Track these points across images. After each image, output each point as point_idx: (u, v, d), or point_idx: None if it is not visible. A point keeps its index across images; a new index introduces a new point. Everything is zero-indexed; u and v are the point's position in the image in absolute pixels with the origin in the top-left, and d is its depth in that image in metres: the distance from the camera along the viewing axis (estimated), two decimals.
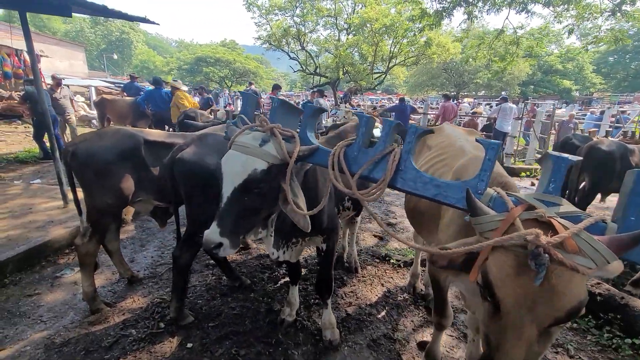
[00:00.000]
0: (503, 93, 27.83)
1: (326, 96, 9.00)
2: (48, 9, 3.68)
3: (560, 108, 23.02)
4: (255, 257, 3.81)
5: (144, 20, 4.32)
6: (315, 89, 9.25)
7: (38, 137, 7.47)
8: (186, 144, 2.48)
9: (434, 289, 1.94)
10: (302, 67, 21.66)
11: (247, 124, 1.65)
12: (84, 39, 44.80)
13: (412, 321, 2.79)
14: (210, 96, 11.03)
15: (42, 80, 8.51)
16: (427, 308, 2.93)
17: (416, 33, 12.19)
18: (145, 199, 2.87)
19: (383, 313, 2.89)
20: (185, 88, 7.95)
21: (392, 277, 3.46)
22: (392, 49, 17.32)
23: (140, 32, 56.41)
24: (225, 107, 14.50)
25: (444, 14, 11.25)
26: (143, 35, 58.13)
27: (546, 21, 11.70)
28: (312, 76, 22.93)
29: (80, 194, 2.68)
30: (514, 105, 10.22)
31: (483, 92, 40.69)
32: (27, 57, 8.16)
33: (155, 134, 2.87)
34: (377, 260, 3.79)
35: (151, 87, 8.14)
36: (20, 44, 8.31)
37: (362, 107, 17.33)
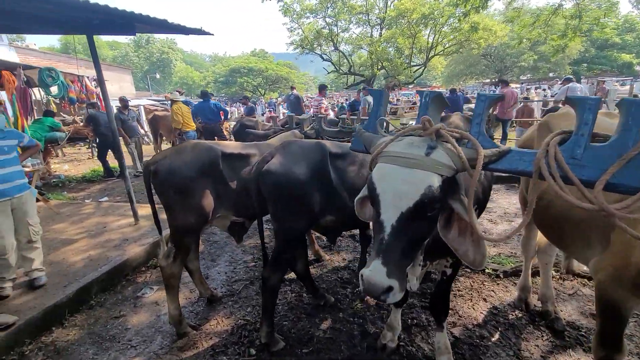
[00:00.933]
0: (565, 75, 25.58)
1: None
2: (113, 30, 3.72)
3: (624, 85, 20.68)
4: (331, 270, 3.55)
5: (200, 31, 4.26)
6: (363, 87, 8.92)
7: (102, 157, 7.86)
8: (270, 154, 2.27)
9: (605, 316, 1.53)
10: (335, 67, 21.41)
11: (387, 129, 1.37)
12: (129, 63, 48.11)
13: (537, 346, 2.36)
14: (253, 105, 11.11)
15: (100, 103, 9.01)
16: (551, 329, 2.48)
17: (461, 18, 11.41)
18: (224, 214, 2.72)
19: (497, 335, 2.48)
20: (182, 99, 8.03)
21: (492, 290, 3.03)
22: (431, 39, 16.53)
23: (178, 50, 59.60)
24: (262, 114, 14.66)
25: None
26: (180, 53, 61.34)
27: None
28: (346, 76, 22.61)
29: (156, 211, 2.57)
30: (581, 85, 9.15)
31: (528, 75, 37.88)
32: (88, 82, 8.64)
33: (231, 146, 2.71)
34: (468, 270, 3.36)
35: (198, 100, 8.28)
36: (79, 70, 8.88)
37: (400, 102, 16.69)
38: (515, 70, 35.23)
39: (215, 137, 8.24)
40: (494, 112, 9.11)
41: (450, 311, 2.77)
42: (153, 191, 2.53)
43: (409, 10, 14.01)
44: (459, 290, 3.04)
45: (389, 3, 18.47)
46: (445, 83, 39.33)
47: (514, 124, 9.18)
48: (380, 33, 19.27)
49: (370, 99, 8.29)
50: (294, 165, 2.19)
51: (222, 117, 8.08)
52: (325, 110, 8.11)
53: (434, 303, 2.11)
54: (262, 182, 2.19)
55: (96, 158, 8.35)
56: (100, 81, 4.03)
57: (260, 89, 39.07)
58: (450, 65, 33.93)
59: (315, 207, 2.27)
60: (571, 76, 10.23)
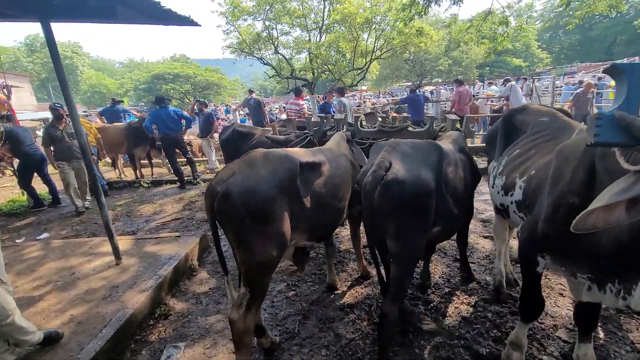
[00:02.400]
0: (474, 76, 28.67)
1: (347, 92, 8.56)
2: (82, 15, 2.81)
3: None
4: None
5: (188, 20, 3.52)
6: (335, 88, 8.65)
7: (25, 183, 6.20)
8: (385, 160, 1.82)
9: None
10: (276, 71, 20.90)
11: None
12: (22, 70, 40.62)
13: None
14: (211, 112, 10.04)
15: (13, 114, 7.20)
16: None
17: (407, 22, 12.03)
18: (298, 239, 2.18)
19: (601, 332, 2.40)
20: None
21: (560, 283, 2.99)
22: (374, 43, 17.14)
23: (84, 55, 52.31)
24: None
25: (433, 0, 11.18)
26: (87, 58, 53.95)
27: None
28: (287, 80, 22.26)
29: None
30: (514, 83, 10.26)
31: (442, 78, 42.21)
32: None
33: (304, 154, 2.19)
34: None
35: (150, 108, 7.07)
36: None
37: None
38: (434, 73, 38.90)
39: (177, 149, 7.21)
40: (452, 110, 9.68)
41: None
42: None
43: (353, 14, 14.33)
44: None
45: (327, 7, 18.66)
46: (374, 86, 41.59)
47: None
48: (320, 37, 19.38)
49: (345, 100, 8.08)
50: (420, 170, 1.79)
51: (184, 126, 7.06)
52: (305, 115, 7.66)
53: (585, 312, 1.91)
54: (386, 193, 1.74)
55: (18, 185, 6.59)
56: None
57: (189, 96, 36.36)
58: (378, 69, 35.99)
59: (432, 218, 1.91)
60: (510, 77, 11.46)
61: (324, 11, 18.44)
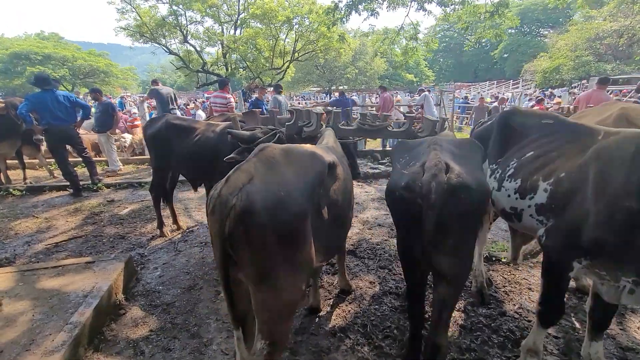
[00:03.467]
0: (424, 86, 31.13)
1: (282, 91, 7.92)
2: None
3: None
4: (374, 299, 2.88)
5: None
6: (255, 85, 8.03)
7: None
8: (439, 159, 1.51)
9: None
10: (185, 63, 18.88)
11: None
12: None
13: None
14: (112, 101, 8.23)
15: None
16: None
17: (330, 26, 12.18)
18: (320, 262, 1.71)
19: (578, 325, 2.57)
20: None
21: (525, 278, 3.18)
22: (294, 44, 16.92)
23: None
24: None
25: (353, 8, 11.61)
26: None
27: (437, 19, 13.39)
28: (197, 75, 20.35)
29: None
30: (428, 94, 11.39)
31: (348, 86, 45.10)
32: None
33: (323, 152, 1.71)
34: (485, 264, 3.43)
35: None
36: None
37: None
38: (342, 80, 41.10)
39: (70, 145, 5.64)
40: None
41: (520, 310, 2.72)
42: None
43: (274, 11, 13.81)
44: (500, 287, 3.03)
45: (242, 0, 17.69)
46: (287, 88, 41.69)
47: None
48: (235, 31, 18.26)
49: (281, 98, 7.59)
50: (478, 173, 1.54)
51: (80, 116, 5.54)
52: (233, 110, 6.82)
53: (603, 311, 1.93)
54: (451, 201, 1.42)
55: None
56: None
57: (66, 83, 30.07)
58: (294, 71, 36.22)
59: None
60: (423, 87, 12.62)
61: (238, 4, 17.41)
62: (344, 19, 11.98)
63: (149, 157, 8.63)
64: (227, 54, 18.62)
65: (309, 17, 14.81)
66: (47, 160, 6.98)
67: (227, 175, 1.34)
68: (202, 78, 21.43)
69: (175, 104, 8.02)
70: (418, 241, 1.52)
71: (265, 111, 7.63)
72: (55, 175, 6.74)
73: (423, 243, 1.48)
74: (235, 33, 18.36)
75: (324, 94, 40.14)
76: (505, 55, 54.43)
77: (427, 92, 10.68)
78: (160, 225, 4.14)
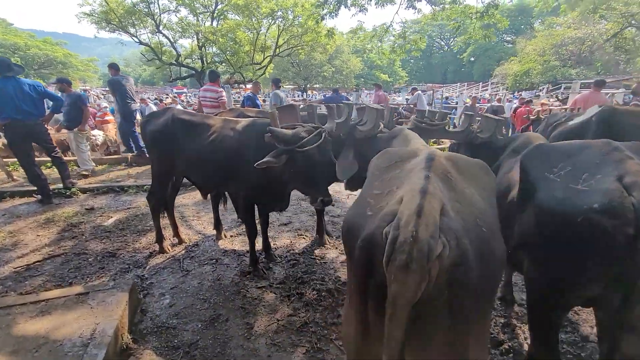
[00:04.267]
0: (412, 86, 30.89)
1: (281, 86, 7.28)
2: None
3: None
4: None
5: None
6: (272, 81, 7.40)
7: None
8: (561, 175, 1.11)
9: None
10: (157, 55, 17.61)
11: None
12: None
13: None
14: (82, 94, 7.24)
15: None
16: None
17: (319, 21, 11.68)
18: None
19: None
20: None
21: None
22: (277, 38, 16.23)
23: None
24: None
25: (342, 3, 11.28)
26: None
27: (426, 18, 13.28)
28: (169, 68, 19.11)
29: None
30: (420, 92, 11.26)
31: (324, 84, 44.85)
32: None
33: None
34: None
35: None
36: None
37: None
38: (319, 78, 40.74)
39: (45, 144, 4.80)
40: None
41: None
42: None
43: (257, 2, 13.04)
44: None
45: None
46: (264, 85, 40.71)
47: None
48: (212, 22, 17.25)
49: (282, 93, 7.02)
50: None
51: (49, 110, 4.69)
52: (225, 104, 6.15)
53: None
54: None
55: None
56: None
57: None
58: (272, 67, 35.39)
59: None
60: (416, 86, 12.46)
61: None
62: (333, 14, 11.63)
63: (125, 155, 7.79)
64: (204, 47, 17.57)
65: (295, 10, 14.22)
66: (4, 160, 5.97)
67: (413, 202, 0.82)
68: (175, 72, 20.19)
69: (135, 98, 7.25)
70: (599, 284, 1.12)
71: (259, 107, 7.05)
72: (14, 177, 5.76)
73: (621, 287, 1.08)
74: (212, 24, 17.35)
75: (299, 92, 39.63)
76: (472, 59, 56.69)
77: (420, 92, 10.52)
78: (160, 239, 3.49)
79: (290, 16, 14.45)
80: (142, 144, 7.18)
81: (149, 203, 3.42)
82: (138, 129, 7.82)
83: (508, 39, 56.04)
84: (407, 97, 13.23)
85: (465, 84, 42.39)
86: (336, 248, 3.70)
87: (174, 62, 17.69)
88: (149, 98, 17.51)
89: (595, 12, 23.83)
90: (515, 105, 11.40)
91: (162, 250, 3.49)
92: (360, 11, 11.70)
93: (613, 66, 24.83)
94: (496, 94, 19.55)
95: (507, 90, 25.88)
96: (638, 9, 22.00)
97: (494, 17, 10.71)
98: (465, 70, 58.80)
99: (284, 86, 45.64)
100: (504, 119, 2.67)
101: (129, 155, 7.65)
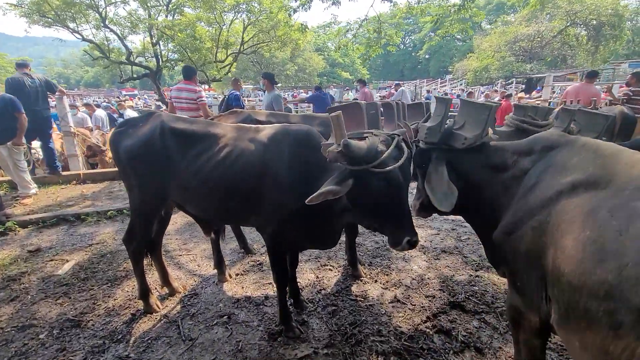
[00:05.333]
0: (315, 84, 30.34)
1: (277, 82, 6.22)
2: None
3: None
4: None
5: None
6: (265, 75, 6.40)
7: None
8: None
9: None
10: (104, 53, 15.64)
11: None
12: None
13: None
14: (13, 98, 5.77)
15: None
16: None
17: (291, 14, 10.80)
18: None
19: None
20: None
21: None
22: (242, 33, 15.01)
23: None
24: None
25: None
26: None
27: (402, 11, 12.86)
28: (119, 68, 17.16)
29: None
30: (404, 89, 10.86)
31: (288, 83, 43.77)
32: None
33: None
34: None
35: None
36: None
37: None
38: (282, 77, 39.62)
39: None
40: None
41: None
42: None
43: None
44: None
45: None
46: (226, 84, 38.87)
47: None
48: (168, 16, 15.63)
49: (277, 93, 6.09)
50: None
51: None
52: (205, 106, 5.11)
53: None
54: None
55: None
56: None
57: None
58: (235, 66, 33.79)
59: None
60: (399, 82, 12.01)
61: None
62: (305, 6, 10.89)
63: (74, 172, 6.39)
64: (160, 43, 15.90)
65: (263, 2, 13.17)
66: None
67: None
68: (125, 71, 18.24)
69: (49, 100, 6.04)
70: None
71: (242, 106, 6.11)
72: None
73: None
74: (167, 18, 15.74)
75: (261, 92, 38.20)
76: (427, 56, 58.77)
77: (404, 88, 10.09)
78: (145, 294, 2.53)
79: (257, 9, 13.39)
80: (57, 163, 6.02)
81: (128, 247, 2.44)
82: (57, 143, 6.54)
83: (459, 37, 58.60)
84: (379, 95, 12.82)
85: (425, 80, 43.66)
86: (375, 281, 2.97)
87: (125, 60, 15.81)
88: (95, 102, 15.44)
89: (543, 10, 25.36)
90: (496, 99, 11.42)
91: (149, 310, 2.52)
92: (333, 4, 11.04)
93: (560, 61, 26.60)
94: (467, 89, 19.94)
95: (467, 85, 26.72)
96: (581, 7, 23.69)
97: (471, 10, 10.58)
98: (421, 67, 60.84)
99: (244, 85, 44.05)
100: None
101: (81, 171, 6.33)
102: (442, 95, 10.54)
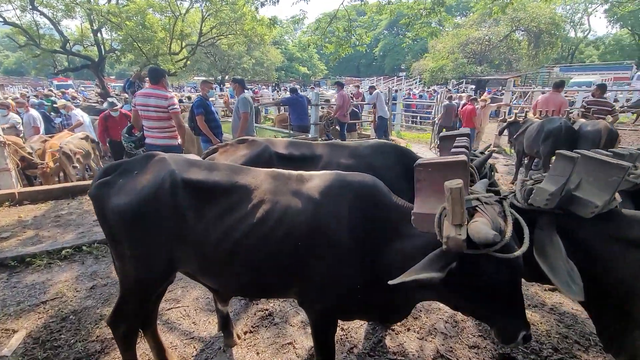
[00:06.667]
0: (373, 81, 29.51)
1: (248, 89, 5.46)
2: None
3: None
4: None
5: None
6: (235, 80, 5.58)
7: None
8: None
9: None
10: (33, 40, 13.50)
11: None
12: None
13: None
14: None
15: None
16: None
17: (258, 7, 9.99)
18: None
19: None
20: None
21: None
22: (201, 23, 13.76)
23: None
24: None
25: None
26: None
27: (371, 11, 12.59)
28: (52, 57, 15.00)
29: None
30: (379, 91, 10.67)
31: (246, 77, 41.92)
32: None
33: None
34: None
35: None
36: None
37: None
38: (238, 70, 37.84)
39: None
40: (335, 116, 8.84)
41: None
42: None
43: None
44: None
45: None
46: (173, 78, 36.15)
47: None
48: (112, 1, 13.88)
49: (248, 94, 5.43)
50: None
51: None
52: (178, 116, 4.34)
53: None
54: None
55: None
56: None
57: None
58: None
59: None
60: (374, 85, 11.75)
61: None
62: (274, 1, 10.31)
63: (6, 192, 5.11)
64: (102, 31, 14.12)
65: None
66: None
67: None
68: (60, 61, 16.10)
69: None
70: None
71: (216, 116, 5.39)
72: None
73: None
74: (112, 3, 13.99)
75: (216, 85, 36.11)
76: (382, 54, 60.20)
77: (379, 90, 9.90)
78: None
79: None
80: None
81: (115, 331, 1.81)
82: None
83: (409, 35, 60.50)
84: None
85: (382, 77, 44.60)
86: (408, 329, 2.64)
87: (60, 49, 13.80)
88: (23, 94, 13.05)
89: (490, 16, 26.97)
90: (462, 102, 11.60)
91: None
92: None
93: (506, 65, 28.61)
94: (427, 89, 20.51)
95: (425, 85, 27.68)
96: (524, 14, 25.56)
97: (441, 14, 10.69)
98: (376, 64, 62.09)
99: (194, 78, 41.35)
100: None
101: (15, 190, 5.19)
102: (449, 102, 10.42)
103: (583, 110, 6.76)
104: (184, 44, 15.37)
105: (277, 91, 28.03)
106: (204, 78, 42.25)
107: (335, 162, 2.24)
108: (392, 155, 2.29)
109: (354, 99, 11.83)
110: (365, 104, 10.61)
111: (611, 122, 5.30)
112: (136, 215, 1.52)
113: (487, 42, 28.03)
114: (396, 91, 15.37)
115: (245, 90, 5.32)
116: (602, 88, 6.87)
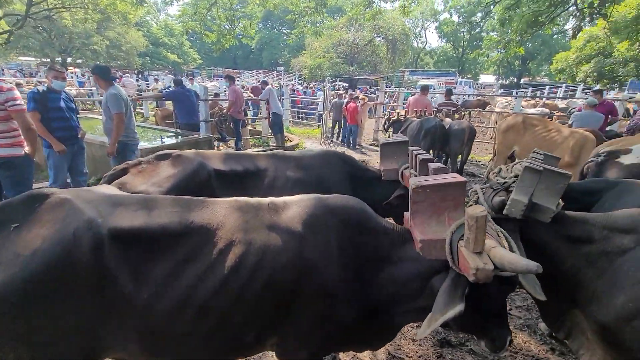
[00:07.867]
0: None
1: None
2: None
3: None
4: None
5: None
6: (95, 69, 4.17)
7: None
8: None
9: None
10: None
11: None
12: None
13: None
14: None
15: None
16: None
17: None
18: None
19: None
20: None
21: None
22: None
23: None
24: None
25: None
26: None
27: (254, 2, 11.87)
28: None
29: None
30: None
31: (100, 60, 34.64)
32: None
33: None
34: None
35: None
36: None
37: None
38: (88, 53, 31.07)
39: None
40: (228, 112, 8.18)
41: None
42: None
43: None
44: None
45: None
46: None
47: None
48: None
49: (119, 89, 4.31)
50: None
51: None
52: (22, 113, 3.06)
53: None
54: None
55: None
56: None
57: None
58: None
59: None
60: (266, 80, 11.06)
61: None
62: None
63: None
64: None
65: None
66: None
67: None
68: None
69: None
70: None
71: (64, 114, 4.10)
72: None
73: None
74: None
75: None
76: (258, 47, 59.64)
77: (270, 86, 9.62)
78: None
79: None
80: None
81: None
82: None
83: (285, 31, 61.64)
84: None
85: (262, 71, 44.13)
86: None
87: None
88: None
89: (356, 21, 29.90)
90: (346, 100, 12.37)
91: None
92: None
93: (370, 66, 32.29)
94: (309, 86, 21.23)
95: (304, 80, 28.74)
96: (383, 23, 29.21)
97: (322, 15, 11.12)
98: (253, 57, 60.97)
99: (19, 58, 32.01)
100: None
101: None
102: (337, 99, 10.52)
103: (436, 109, 8.14)
104: (1, 12, 11.55)
105: (144, 80, 24.34)
106: (32, 59, 33.32)
107: (282, 176, 1.98)
108: (339, 164, 2.18)
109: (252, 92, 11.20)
110: (258, 100, 10.20)
111: (457, 118, 6.80)
112: (36, 287, 0.94)
113: (355, 45, 30.98)
114: (281, 87, 15.35)
115: (115, 82, 4.19)
116: (449, 93, 8.46)
